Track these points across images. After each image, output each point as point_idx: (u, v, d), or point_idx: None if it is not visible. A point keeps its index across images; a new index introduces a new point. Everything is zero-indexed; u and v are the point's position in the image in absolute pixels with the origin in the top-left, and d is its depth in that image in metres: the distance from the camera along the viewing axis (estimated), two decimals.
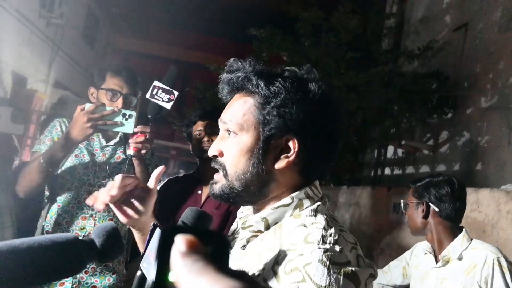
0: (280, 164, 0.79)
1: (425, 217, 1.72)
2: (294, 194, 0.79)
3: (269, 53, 5.50)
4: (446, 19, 5.40)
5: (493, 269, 1.53)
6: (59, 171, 1.73)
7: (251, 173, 0.78)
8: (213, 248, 0.38)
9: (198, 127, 2.06)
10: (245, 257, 0.81)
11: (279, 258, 0.72)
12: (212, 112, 2.06)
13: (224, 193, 0.81)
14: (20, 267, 0.55)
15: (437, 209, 1.69)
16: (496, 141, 4.16)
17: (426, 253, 1.79)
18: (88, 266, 1.69)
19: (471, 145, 4.51)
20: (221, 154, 0.82)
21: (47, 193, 1.79)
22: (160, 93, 1.57)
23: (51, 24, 7.44)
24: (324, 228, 0.73)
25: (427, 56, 5.17)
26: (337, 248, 0.69)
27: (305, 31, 5.35)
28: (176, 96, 1.58)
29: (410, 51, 5.24)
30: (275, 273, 0.71)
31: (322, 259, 0.66)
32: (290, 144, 0.78)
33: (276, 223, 0.80)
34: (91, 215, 1.76)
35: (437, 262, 1.72)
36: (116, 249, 0.68)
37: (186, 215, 0.77)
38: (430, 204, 1.71)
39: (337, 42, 5.27)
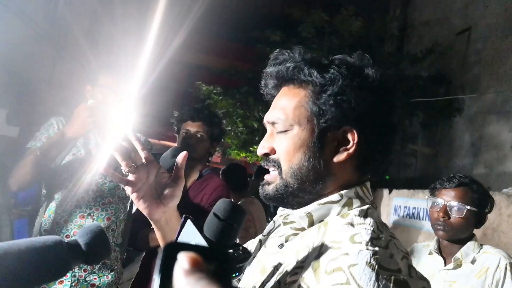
0: (339, 157, 0.72)
1: (478, 225, 1.67)
2: (343, 192, 0.73)
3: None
4: (449, 23, 5.40)
5: (505, 274, 1.55)
6: (57, 169, 1.73)
7: (307, 168, 0.72)
8: (216, 265, 0.37)
9: (187, 127, 2.02)
10: (281, 256, 0.75)
11: (320, 256, 0.66)
12: (204, 113, 2.01)
13: (278, 193, 0.75)
14: (2, 273, 0.54)
15: (486, 218, 1.69)
16: (498, 145, 4.15)
17: (431, 254, 1.75)
18: (83, 265, 1.68)
19: (473, 149, 4.50)
20: (273, 151, 0.76)
21: (44, 191, 1.78)
22: None
23: (55, 24, 7.47)
24: (374, 231, 0.66)
25: (430, 59, 5.17)
26: (388, 253, 0.62)
27: (308, 34, 5.37)
28: None
29: (413, 55, 5.24)
30: (315, 272, 0.64)
31: (370, 262, 0.59)
32: (349, 136, 0.72)
33: (321, 221, 0.73)
34: (89, 214, 1.75)
35: (445, 264, 1.70)
36: (102, 249, 0.67)
37: (218, 206, 0.72)
38: (486, 214, 1.69)
39: (340, 45, 5.27)
